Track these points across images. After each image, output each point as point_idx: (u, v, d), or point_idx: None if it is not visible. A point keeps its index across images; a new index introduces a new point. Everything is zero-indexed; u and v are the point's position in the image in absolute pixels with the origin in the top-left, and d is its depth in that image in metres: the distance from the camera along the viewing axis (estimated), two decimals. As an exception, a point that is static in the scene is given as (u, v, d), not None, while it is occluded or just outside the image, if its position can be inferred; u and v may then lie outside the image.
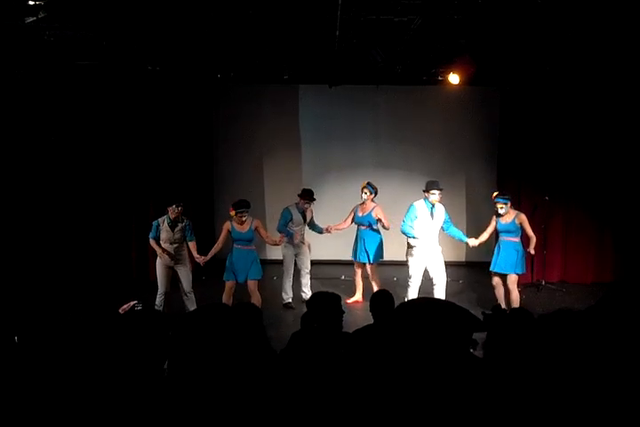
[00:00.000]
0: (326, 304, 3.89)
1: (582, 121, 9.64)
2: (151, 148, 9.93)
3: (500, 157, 10.15)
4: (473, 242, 7.98)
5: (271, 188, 11.26)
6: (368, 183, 8.68)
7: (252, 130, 11.06)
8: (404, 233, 8.04)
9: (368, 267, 8.71)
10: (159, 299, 7.87)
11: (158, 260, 7.91)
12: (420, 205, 7.97)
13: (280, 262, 9.27)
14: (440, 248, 8.12)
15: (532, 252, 8.05)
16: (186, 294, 7.94)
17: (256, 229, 7.79)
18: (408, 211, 8.03)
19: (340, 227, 8.86)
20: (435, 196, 7.88)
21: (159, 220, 7.86)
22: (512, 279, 7.80)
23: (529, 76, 9.18)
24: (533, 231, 9.65)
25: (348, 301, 8.83)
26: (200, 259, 7.80)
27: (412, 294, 8.06)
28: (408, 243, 8.08)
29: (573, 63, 8.39)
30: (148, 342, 4.07)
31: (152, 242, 7.86)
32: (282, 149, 11.20)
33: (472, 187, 11.06)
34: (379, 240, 8.70)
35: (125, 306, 4.74)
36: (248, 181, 11.02)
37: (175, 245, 7.83)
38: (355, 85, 10.20)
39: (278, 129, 11.11)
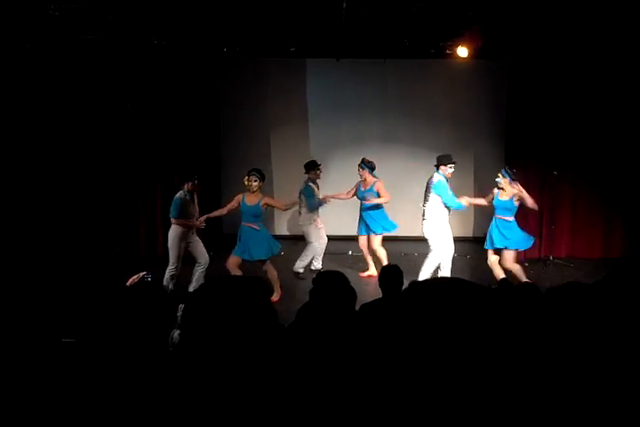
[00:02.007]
0: (333, 284, 3.89)
1: (592, 95, 9.53)
2: (158, 123, 9.89)
3: (508, 132, 10.07)
4: (466, 200, 7.86)
5: (278, 162, 11.23)
6: (362, 160, 8.63)
7: (259, 105, 10.99)
8: (456, 208, 7.82)
9: (371, 238, 8.69)
10: (170, 272, 7.78)
11: (174, 233, 7.75)
12: (445, 182, 7.83)
13: (288, 238, 9.28)
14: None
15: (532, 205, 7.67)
16: (201, 266, 7.89)
17: (265, 204, 7.60)
18: (441, 187, 7.74)
19: (340, 196, 8.85)
20: (452, 169, 7.81)
21: (179, 196, 7.69)
22: (507, 257, 7.58)
23: (538, 49, 9.07)
24: (541, 206, 9.63)
25: (362, 274, 8.87)
26: (198, 221, 7.67)
27: (431, 268, 7.99)
28: (437, 219, 7.90)
29: (584, 35, 8.28)
30: (154, 315, 4.10)
31: (179, 221, 7.68)
32: (289, 123, 11.15)
33: (480, 161, 11.00)
34: (380, 213, 8.66)
35: (135, 277, 4.76)
36: (255, 156, 10.97)
37: (194, 219, 7.78)
38: (362, 59, 10.11)
39: (285, 103, 11.04)
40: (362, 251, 9.03)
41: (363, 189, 8.66)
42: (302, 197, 8.84)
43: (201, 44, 8.98)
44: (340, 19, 7.45)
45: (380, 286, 4.43)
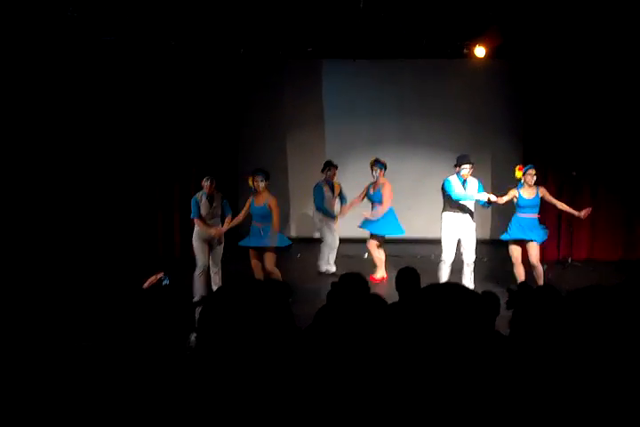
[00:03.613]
0: (354, 287, 3.86)
1: (611, 95, 9.42)
2: (176, 125, 9.91)
3: (527, 132, 9.99)
4: (492, 197, 7.70)
5: (295, 163, 11.23)
6: (376, 160, 8.51)
7: (275, 105, 11.00)
8: (466, 198, 7.72)
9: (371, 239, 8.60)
10: (199, 274, 7.65)
11: (195, 235, 7.71)
12: (454, 180, 7.79)
13: (306, 240, 9.26)
14: (474, 225, 7.95)
15: (584, 215, 7.74)
16: (217, 270, 7.84)
17: (269, 206, 7.44)
18: (446, 184, 7.74)
19: (354, 204, 8.77)
20: (465, 170, 7.73)
21: (197, 196, 7.66)
22: (533, 252, 7.61)
23: (556, 49, 9.00)
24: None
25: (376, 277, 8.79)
26: (217, 230, 7.58)
27: (446, 270, 7.94)
28: (442, 217, 7.91)
29: (604, 34, 8.20)
30: (170, 319, 4.09)
31: (197, 221, 7.61)
32: (305, 124, 11.14)
33: (498, 162, 10.92)
34: (387, 214, 8.56)
35: (152, 278, 4.76)
36: (272, 157, 10.97)
37: (213, 220, 7.69)
38: (379, 59, 10.08)
39: (302, 104, 11.04)
40: (372, 254, 8.88)
41: (372, 191, 8.58)
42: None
43: (218, 45, 9.00)
44: (358, 19, 7.44)
45: (397, 289, 4.40)
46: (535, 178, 7.54)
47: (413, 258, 9.87)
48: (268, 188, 7.50)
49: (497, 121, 10.75)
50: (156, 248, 10.04)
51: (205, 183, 7.60)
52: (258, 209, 7.49)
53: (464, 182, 7.82)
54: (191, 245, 7.81)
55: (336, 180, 8.99)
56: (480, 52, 8.47)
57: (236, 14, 7.62)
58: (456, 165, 7.84)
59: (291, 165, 11.26)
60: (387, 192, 8.45)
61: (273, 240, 7.46)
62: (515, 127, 10.45)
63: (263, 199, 7.45)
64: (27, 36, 7.69)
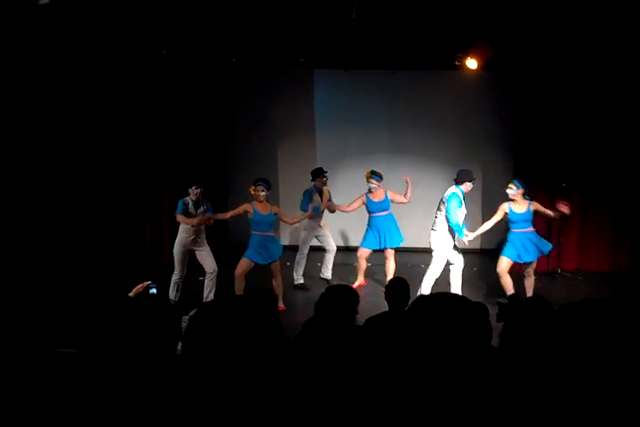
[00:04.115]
0: (343, 300, 3.84)
1: (601, 107, 9.48)
2: (166, 132, 9.91)
3: (517, 144, 10.04)
4: (468, 238, 7.62)
5: (285, 172, 11.21)
6: (372, 172, 8.48)
7: (266, 115, 10.99)
8: (454, 226, 7.62)
9: (388, 252, 8.57)
10: (174, 280, 7.74)
11: (177, 242, 7.77)
12: (459, 197, 7.71)
13: (293, 248, 9.23)
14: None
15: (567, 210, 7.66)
16: (209, 275, 7.82)
17: (276, 213, 7.60)
18: (452, 200, 7.59)
19: (344, 209, 8.70)
20: (472, 186, 7.78)
21: (185, 199, 7.68)
22: (534, 266, 7.76)
23: (547, 61, 9.05)
24: (550, 219, 9.57)
25: (354, 285, 8.73)
26: (200, 218, 7.57)
27: (431, 281, 7.92)
28: (446, 231, 7.78)
29: (594, 48, 8.25)
30: (157, 328, 4.06)
31: (179, 217, 7.61)
32: (297, 133, 11.14)
33: (488, 173, 10.95)
34: (396, 223, 8.60)
35: (139, 286, 4.72)
36: (262, 166, 10.96)
37: (196, 228, 7.70)
38: (371, 70, 10.11)
39: (293, 114, 11.04)
40: (360, 261, 8.80)
41: (377, 200, 8.53)
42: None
43: (210, 54, 9.00)
44: (350, 30, 7.46)
45: (386, 298, 4.39)
46: (512, 190, 7.50)
47: (404, 267, 9.87)
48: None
49: (488, 132, 10.78)
50: (144, 255, 9.99)
51: (195, 191, 7.61)
52: (265, 217, 7.53)
53: (464, 198, 7.81)
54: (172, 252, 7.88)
55: (326, 187, 8.94)
56: (472, 64, 8.51)
57: (228, 24, 7.62)
58: (463, 181, 7.73)
59: (281, 174, 11.25)
60: (394, 193, 8.52)
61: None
62: (505, 138, 10.49)
63: (267, 208, 7.54)
64: (18, 43, 7.66)
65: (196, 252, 7.81)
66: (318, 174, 8.80)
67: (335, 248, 9.11)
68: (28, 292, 7.65)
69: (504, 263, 7.65)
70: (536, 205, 7.61)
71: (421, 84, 10.71)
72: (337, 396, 3.44)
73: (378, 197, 8.51)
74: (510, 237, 7.65)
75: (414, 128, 10.94)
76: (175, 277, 7.79)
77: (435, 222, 7.85)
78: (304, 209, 8.68)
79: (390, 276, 8.38)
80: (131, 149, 9.79)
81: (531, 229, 7.64)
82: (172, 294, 7.76)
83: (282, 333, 3.93)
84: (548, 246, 7.74)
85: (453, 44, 8.55)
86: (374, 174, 8.47)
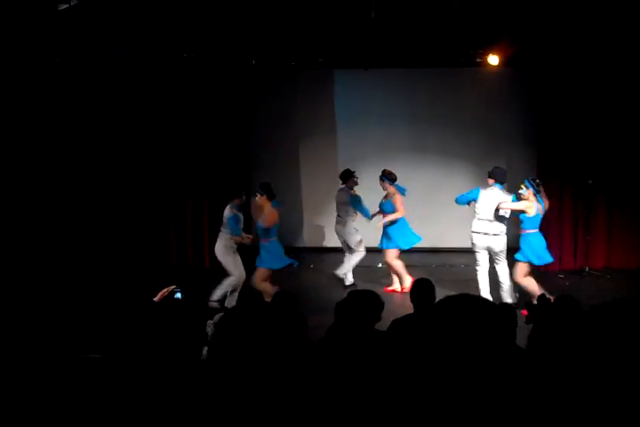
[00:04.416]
0: (365, 305, 3.80)
1: (626, 103, 9.31)
2: (187, 135, 9.94)
3: (541, 141, 9.89)
4: None
5: (307, 173, 11.17)
6: (382, 172, 8.56)
7: (287, 115, 10.96)
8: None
9: (385, 252, 8.50)
10: (232, 286, 7.64)
11: (222, 246, 7.65)
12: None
13: (318, 250, 9.18)
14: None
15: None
16: (236, 278, 7.76)
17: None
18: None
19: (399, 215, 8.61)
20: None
21: (236, 213, 7.65)
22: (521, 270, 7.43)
23: (570, 57, 8.92)
24: (577, 217, 9.57)
25: (387, 289, 8.66)
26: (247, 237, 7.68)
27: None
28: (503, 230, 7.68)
29: (618, 43, 8.12)
30: (181, 333, 4.05)
31: (237, 238, 7.60)
32: (318, 133, 11.09)
33: (512, 171, 10.74)
34: (397, 228, 8.46)
35: (165, 290, 4.73)
36: (284, 167, 10.94)
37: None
38: (391, 69, 10.03)
39: (313, 114, 10.99)
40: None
41: (383, 200, 8.55)
42: (347, 206, 8.71)
43: (229, 56, 9.00)
44: (369, 28, 7.40)
45: (412, 300, 4.33)
46: (530, 192, 7.38)
47: (428, 267, 9.81)
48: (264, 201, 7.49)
49: (511, 129, 10.64)
50: (169, 259, 10.03)
51: (239, 199, 7.69)
52: (257, 223, 7.59)
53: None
54: (218, 261, 7.76)
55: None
56: (494, 60, 8.41)
57: (248, 25, 7.61)
58: (502, 181, 7.78)
59: (303, 175, 11.21)
60: (398, 201, 8.38)
61: None
62: (529, 135, 10.34)
63: (261, 213, 7.48)
64: (39, 49, 7.72)
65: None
66: (348, 176, 8.75)
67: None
68: (53, 297, 7.73)
69: (519, 269, 7.42)
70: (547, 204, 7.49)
71: (442, 81, 10.61)
72: (359, 400, 3.40)
73: (386, 198, 8.51)
74: (525, 239, 7.42)
75: (435, 126, 10.83)
76: (233, 280, 7.63)
77: (493, 226, 7.62)
78: (367, 215, 8.71)
79: (404, 274, 8.48)
80: (153, 152, 9.86)
81: (533, 230, 7.41)
82: (228, 300, 7.56)
83: (307, 336, 3.90)
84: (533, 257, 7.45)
85: (474, 41, 8.45)
86: (383, 175, 8.51)
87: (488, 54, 8.70)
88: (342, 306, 3.72)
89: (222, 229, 7.71)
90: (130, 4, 6.51)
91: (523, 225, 7.41)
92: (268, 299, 7.08)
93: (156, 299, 4.44)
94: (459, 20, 7.25)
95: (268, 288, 7.27)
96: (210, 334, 4.17)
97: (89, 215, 9.58)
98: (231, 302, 7.49)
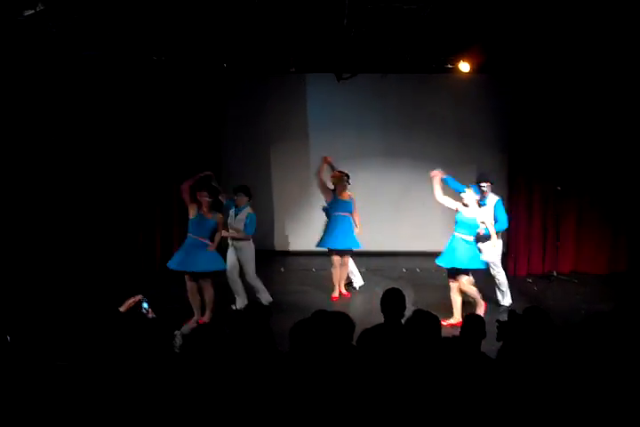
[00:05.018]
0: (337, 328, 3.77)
1: (596, 109, 9.43)
2: (157, 138, 9.84)
3: (512, 146, 9.97)
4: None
5: (279, 177, 11.12)
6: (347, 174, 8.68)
7: (259, 119, 10.90)
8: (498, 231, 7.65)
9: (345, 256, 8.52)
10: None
11: (251, 249, 7.91)
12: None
13: (284, 253, 9.14)
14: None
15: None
16: (250, 282, 7.98)
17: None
18: (501, 208, 7.71)
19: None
20: (483, 188, 7.80)
21: (253, 212, 7.90)
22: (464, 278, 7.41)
23: (541, 63, 9.00)
24: (546, 222, 9.64)
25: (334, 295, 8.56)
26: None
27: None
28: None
29: (587, 49, 8.22)
30: (150, 343, 4.01)
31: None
32: (289, 138, 11.04)
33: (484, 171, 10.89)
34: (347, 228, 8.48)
35: (131, 300, 4.68)
36: (255, 170, 10.88)
37: (233, 233, 7.84)
38: (363, 74, 10.03)
39: (286, 118, 10.94)
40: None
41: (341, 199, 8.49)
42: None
43: (201, 59, 8.93)
44: (341, 35, 7.39)
45: (382, 310, 4.32)
46: (475, 198, 7.44)
47: (398, 271, 9.85)
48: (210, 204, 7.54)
49: (482, 134, 10.71)
50: (139, 262, 9.93)
51: (239, 198, 7.81)
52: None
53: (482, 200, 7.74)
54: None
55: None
56: (464, 67, 8.45)
57: (219, 29, 7.56)
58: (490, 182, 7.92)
59: (274, 178, 11.16)
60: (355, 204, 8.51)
61: None
62: (500, 141, 10.42)
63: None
64: (5, 52, 7.59)
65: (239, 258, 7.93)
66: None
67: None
68: (29, 300, 7.62)
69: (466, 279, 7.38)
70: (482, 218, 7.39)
71: (414, 87, 10.64)
72: (327, 410, 3.39)
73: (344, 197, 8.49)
74: (474, 246, 7.40)
75: (408, 131, 10.86)
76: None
77: (489, 236, 7.52)
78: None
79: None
80: (123, 156, 9.74)
81: (470, 237, 7.32)
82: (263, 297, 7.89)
83: (275, 347, 3.87)
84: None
85: (445, 48, 8.48)
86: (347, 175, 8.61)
87: (459, 60, 8.74)
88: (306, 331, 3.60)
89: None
90: (99, 7, 6.42)
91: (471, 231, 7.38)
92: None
93: (122, 309, 4.39)
94: (430, 27, 7.28)
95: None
96: (177, 344, 4.14)
97: (66, 219, 9.48)
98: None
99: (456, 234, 7.35)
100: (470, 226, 7.28)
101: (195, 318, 7.33)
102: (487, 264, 7.71)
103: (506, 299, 8.13)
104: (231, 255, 7.91)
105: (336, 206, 8.45)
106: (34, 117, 9.05)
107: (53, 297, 7.96)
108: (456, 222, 7.39)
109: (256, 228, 7.95)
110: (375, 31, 7.39)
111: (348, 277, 8.84)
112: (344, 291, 8.65)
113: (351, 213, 8.46)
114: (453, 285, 7.38)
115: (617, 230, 9.76)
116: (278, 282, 9.19)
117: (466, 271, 7.28)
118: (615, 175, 9.57)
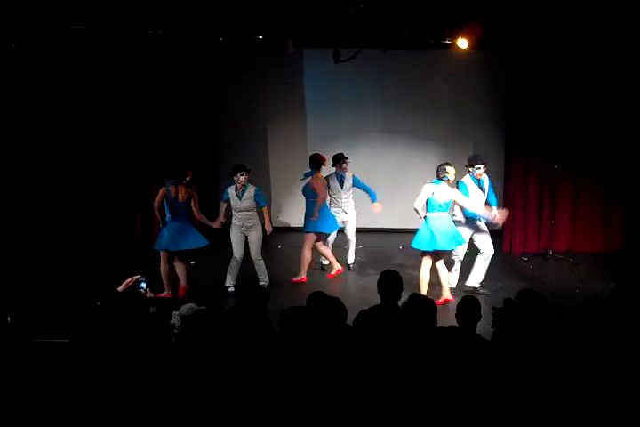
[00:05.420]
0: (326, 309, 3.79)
1: (594, 88, 9.37)
2: (153, 115, 9.77)
3: (509, 124, 9.93)
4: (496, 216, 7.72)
5: (276, 155, 11.08)
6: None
7: (255, 97, 10.83)
8: (477, 216, 7.67)
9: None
10: (232, 263, 7.95)
11: (231, 226, 7.98)
12: (470, 183, 7.69)
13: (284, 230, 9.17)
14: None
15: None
16: (254, 261, 8.02)
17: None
18: (465, 191, 7.58)
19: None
20: (480, 170, 7.67)
21: (228, 188, 7.99)
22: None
23: (540, 39, 8.90)
24: (542, 200, 9.64)
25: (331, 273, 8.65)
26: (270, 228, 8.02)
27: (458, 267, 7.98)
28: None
29: (586, 25, 8.12)
30: (148, 323, 4.03)
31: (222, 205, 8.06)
32: (286, 115, 10.97)
33: (480, 153, 10.84)
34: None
35: (129, 280, 4.69)
36: (252, 148, 10.83)
37: (244, 213, 7.91)
38: (361, 50, 9.92)
39: (283, 95, 10.86)
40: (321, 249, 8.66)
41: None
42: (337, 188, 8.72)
43: (197, 34, 8.81)
44: (339, 10, 7.30)
45: (379, 291, 4.34)
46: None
47: (396, 249, 9.86)
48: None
49: (479, 112, 10.66)
50: (134, 240, 9.93)
51: (240, 177, 7.80)
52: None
53: (479, 182, 7.74)
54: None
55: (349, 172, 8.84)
56: (462, 43, 8.36)
57: (216, 2, 7.46)
58: (469, 166, 7.75)
59: (272, 155, 11.12)
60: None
61: None
62: (497, 119, 10.36)
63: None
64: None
65: (247, 236, 7.99)
66: (338, 160, 8.71)
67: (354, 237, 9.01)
68: (13, 282, 7.63)
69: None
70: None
71: (412, 63, 10.54)
72: (322, 391, 3.42)
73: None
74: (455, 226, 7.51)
75: (405, 108, 10.79)
76: (233, 261, 7.96)
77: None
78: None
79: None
80: (116, 132, 9.69)
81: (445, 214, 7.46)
82: (229, 278, 7.94)
83: (272, 327, 3.89)
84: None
85: (444, 23, 8.38)
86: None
87: (457, 36, 8.65)
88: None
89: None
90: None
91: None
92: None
93: (119, 289, 4.40)
94: (428, 2, 7.20)
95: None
96: (177, 325, 4.16)
97: (49, 197, 9.44)
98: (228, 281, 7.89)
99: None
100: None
101: (165, 292, 7.61)
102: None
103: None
104: (239, 237, 7.95)
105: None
106: (22, 94, 8.98)
107: (47, 276, 8.01)
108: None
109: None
110: (373, 7, 7.29)
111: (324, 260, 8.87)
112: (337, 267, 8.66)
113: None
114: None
115: (612, 209, 9.78)
116: (275, 259, 9.19)
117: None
118: (611, 154, 9.56)
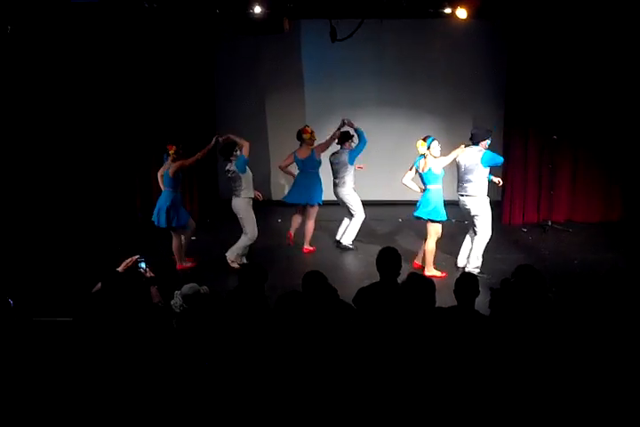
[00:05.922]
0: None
1: (594, 58, 9.28)
2: (150, 88, 9.71)
3: (509, 95, 9.86)
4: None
5: (274, 127, 11.03)
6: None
7: (252, 68, 10.74)
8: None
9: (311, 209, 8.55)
10: (247, 244, 7.98)
11: (247, 204, 7.91)
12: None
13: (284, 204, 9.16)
14: None
15: None
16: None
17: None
18: (494, 157, 7.45)
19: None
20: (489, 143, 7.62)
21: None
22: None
23: (539, 9, 8.81)
24: (541, 171, 9.65)
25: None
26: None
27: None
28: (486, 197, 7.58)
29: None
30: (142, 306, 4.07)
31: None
32: (284, 87, 10.90)
33: (479, 124, 10.77)
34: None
35: (128, 260, 4.70)
36: (250, 120, 10.77)
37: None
38: (358, 20, 9.79)
39: (280, 67, 10.78)
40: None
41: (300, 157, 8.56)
42: (347, 165, 8.65)
43: (192, 6, 8.71)
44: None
45: (378, 269, 4.36)
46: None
47: (395, 221, 9.90)
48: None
49: (479, 83, 10.58)
50: (135, 216, 9.94)
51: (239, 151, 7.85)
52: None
53: None
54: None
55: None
56: (461, 13, 8.25)
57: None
58: (482, 140, 7.55)
59: (270, 128, 11.08)
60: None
61: None
62: (496, 89, 10.30)
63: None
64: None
65: None
66: (347, 139, 8.67)
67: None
68: (22, 261, 7.70)
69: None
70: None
71: (410, 33, 10.43)
72: (319, 369, 3.47)
73: (302, 154, 8.52)
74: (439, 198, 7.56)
75: (403, 79, 10.72)
76: (249, 241, 7.94)
77: (468, 188, 7.51)
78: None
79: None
80: (114, 106, 9.63)
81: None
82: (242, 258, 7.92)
83: (268, 307, 3.93)
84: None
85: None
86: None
87: (457, 5, 8.53)
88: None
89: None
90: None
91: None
92: None
93: (119, 269, 4.42)
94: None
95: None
96: (178, 304, 4.19)
97: (48, 171, 9.44)
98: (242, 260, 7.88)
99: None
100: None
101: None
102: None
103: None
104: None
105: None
106: (18, 75, 8.92)
107: (50, 256, 8.07)
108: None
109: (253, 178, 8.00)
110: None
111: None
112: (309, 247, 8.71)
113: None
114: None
115: (611, 180, 9.79)
116: (275, 234, 9.21)
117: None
118: (610, 125, 9.52)
